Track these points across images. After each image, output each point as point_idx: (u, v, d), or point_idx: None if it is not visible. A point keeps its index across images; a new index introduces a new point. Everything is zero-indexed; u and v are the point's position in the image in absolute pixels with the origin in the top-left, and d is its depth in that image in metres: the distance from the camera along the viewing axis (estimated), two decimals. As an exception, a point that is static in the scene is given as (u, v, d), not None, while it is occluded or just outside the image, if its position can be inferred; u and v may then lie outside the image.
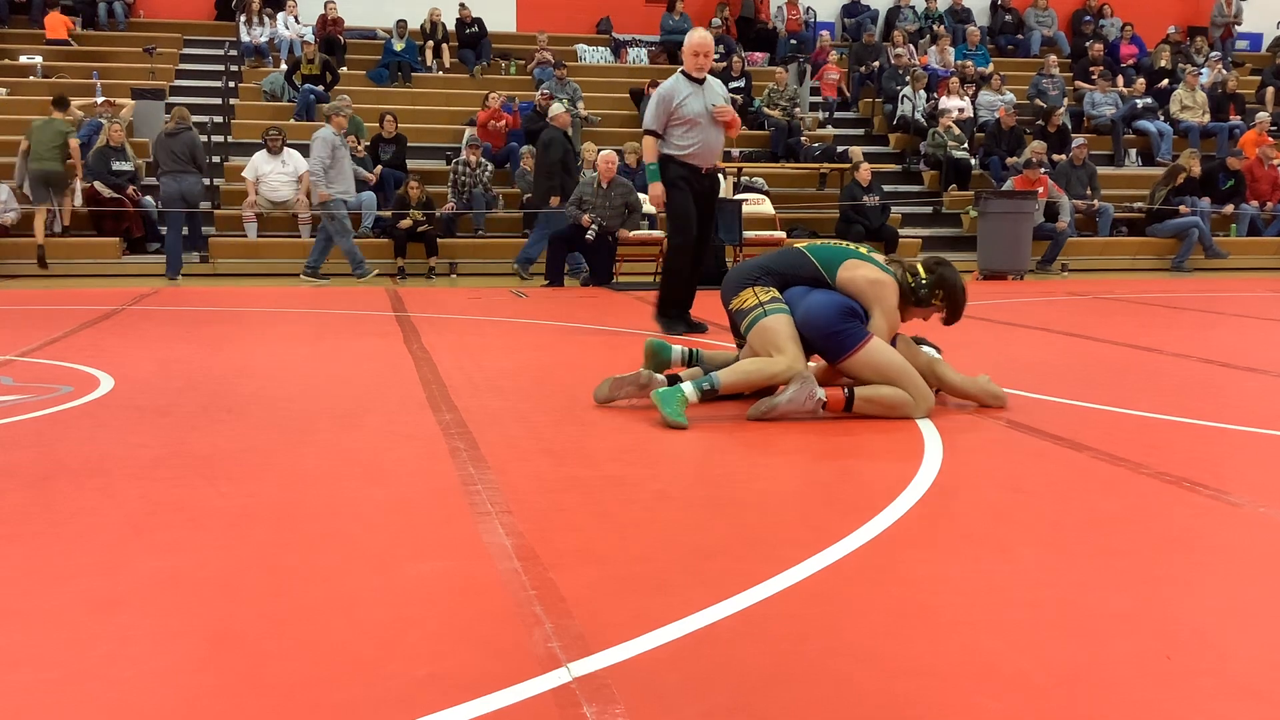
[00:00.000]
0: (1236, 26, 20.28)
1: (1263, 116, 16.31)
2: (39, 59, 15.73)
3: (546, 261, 11.57)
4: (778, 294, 4.79)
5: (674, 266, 7.71)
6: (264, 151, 13.06)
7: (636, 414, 4.77)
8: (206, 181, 13.46)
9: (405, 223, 12.48)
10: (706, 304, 7.43)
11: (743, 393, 4.78)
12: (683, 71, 7.43)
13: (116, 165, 12.68)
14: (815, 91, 17.84)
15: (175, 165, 12.10)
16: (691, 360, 5.17)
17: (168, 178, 12.10)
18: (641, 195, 12.89)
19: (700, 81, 7.36)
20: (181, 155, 12.12)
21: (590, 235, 11.12)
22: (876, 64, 17.46)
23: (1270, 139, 15.70)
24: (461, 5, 17.54)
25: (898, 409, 4.64)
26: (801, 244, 5.13)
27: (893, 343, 4.77)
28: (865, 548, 3.01)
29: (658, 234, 12.41)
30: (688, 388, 4.62)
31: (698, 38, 7.41)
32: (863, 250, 4.95)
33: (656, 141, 7.41)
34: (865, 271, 4.77)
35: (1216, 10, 20.27)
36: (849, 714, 2.07)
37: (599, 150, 13.70)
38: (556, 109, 12.82)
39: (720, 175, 7.68)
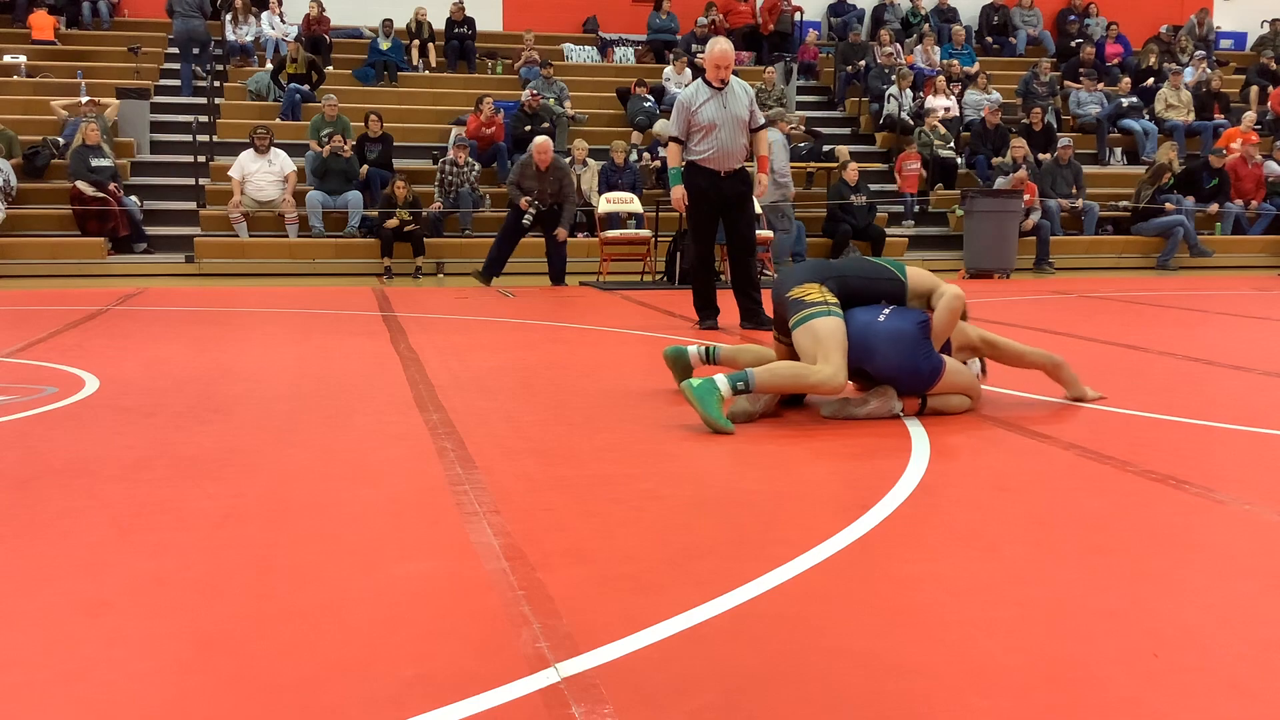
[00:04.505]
0: (1206, 38, 20.35)
1: (1248, 115, 16.38)
2: (23, 58, 15.66)
3: (492, 253, 11.52)
4: (838, 302, 4.69)
5: (692, 270, 8.13)
6: (250, 150, 13.04)
7: (624, 413, 4.77)
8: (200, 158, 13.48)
9: (392, 222, 12.45)
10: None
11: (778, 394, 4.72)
12: (703, 78, 7.61)
13: (95, 162, 12.64)
14: (802, 91, 17.87)
15: (186, 10, 15.31)
16: (709, 357, 5.13)
17: (179, 20, 15.40)
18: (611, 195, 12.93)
19: (720, 88, 7.51)
20: (191, 4, 15.29)
21: (527, 220, 11.20)
22: (863, 63, 17.49)
23: (1255, 137, 15.76)
24: (456, 5, 17.49)
25: (957, 409, 4.79)
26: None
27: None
28: (853, 547, 3.01)
29: (645, 233, 12.43)
30: (722, 384, 4.43)
31: (718, 49, 7.56)
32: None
33: (680, 148, 7.69)
34: (922, 271, 4.95)
35: (1188, 28, 20.36)
36: (837, 713, 2.07)
37: (586, 147, 13.77)
38: (778, 112, 13.09)
39: (747, 174, 7.81)
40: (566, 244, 11.55)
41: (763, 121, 7.84)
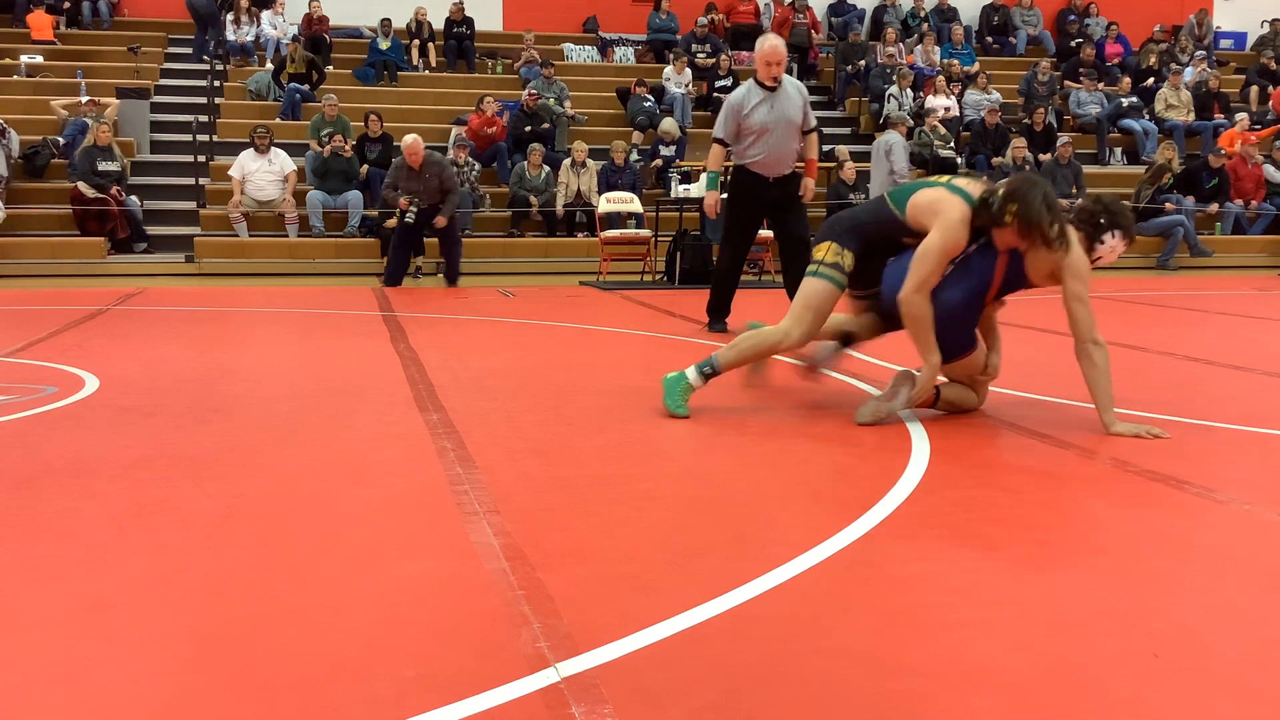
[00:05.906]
0: (1204, 40, 20.36)
1: (1241, 116, 16.39)
2: (40, 58, 15.66)
3: (388, 262, 11.50)
4: (852, 260, 4.62)
5: (717, 271, 7.93)
6: (251, 150, 13.03)
7: (624, 413, 4.77)
8: (198, 176, 13.47)
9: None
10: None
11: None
12: (755, 79, 7.38)
13: (103, 165, 12.63)
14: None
15: None
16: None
17: None
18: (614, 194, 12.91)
19: (773, 88, 7.31)
20: None
21: (409, 219, 11.14)
22: (863, 63, 17.49)
23: (1253, 137, 15.77)
24: (456, 4, 17.49)
25: (966, 405, 4.83)
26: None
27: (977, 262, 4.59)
28: (853, 546, 3.01)
29: (645, 233, 12.42)
30: (691, 373, 4.72)
31: (768, 46, 7.32)
32: (944, 179, 4.69)
33: (723, 151, 7.48)
34: (929, 195, 4.56)
35: (1188, 28, 20.37)
36: (837, 713, 2.07)
37: (586, 147, 13.76)
38: (900, 116, 13.22)
39: (796, 179, 7.58)
40: (461, 244, 11.47)
41: (815, 124, 7.58)
